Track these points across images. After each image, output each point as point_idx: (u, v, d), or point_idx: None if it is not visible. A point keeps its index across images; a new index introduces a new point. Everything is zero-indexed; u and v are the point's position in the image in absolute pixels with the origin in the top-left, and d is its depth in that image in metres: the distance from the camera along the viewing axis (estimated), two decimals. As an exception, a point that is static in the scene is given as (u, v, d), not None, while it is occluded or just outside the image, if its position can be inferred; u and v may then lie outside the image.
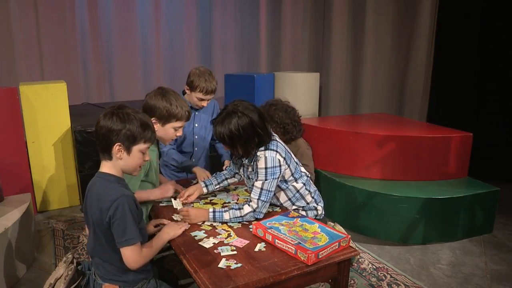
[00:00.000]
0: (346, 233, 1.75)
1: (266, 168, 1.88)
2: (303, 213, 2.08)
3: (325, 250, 1.58)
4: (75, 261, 1.64)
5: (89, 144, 3.32)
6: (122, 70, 4.78)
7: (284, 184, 2.04)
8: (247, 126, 1.85)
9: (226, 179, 2.23)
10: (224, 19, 5.19)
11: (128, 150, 1.54)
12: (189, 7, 4.96)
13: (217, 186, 2.21)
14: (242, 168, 2.11)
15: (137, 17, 4.75)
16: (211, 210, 1.88)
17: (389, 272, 2.61)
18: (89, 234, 1.61)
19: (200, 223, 1.87)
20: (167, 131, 2.01)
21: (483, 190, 3.04)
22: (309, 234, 1.69)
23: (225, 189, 2.32)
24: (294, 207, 2.10)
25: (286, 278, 1.49)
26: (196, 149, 2.69)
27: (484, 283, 2.52)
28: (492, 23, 4.23)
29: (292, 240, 1.62)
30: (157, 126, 1.96)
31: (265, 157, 1.89)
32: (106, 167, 1.57)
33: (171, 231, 1.71)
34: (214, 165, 2.86)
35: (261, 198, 1.88)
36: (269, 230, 1.70)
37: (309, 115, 4.50)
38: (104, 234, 1.50)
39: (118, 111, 1.53)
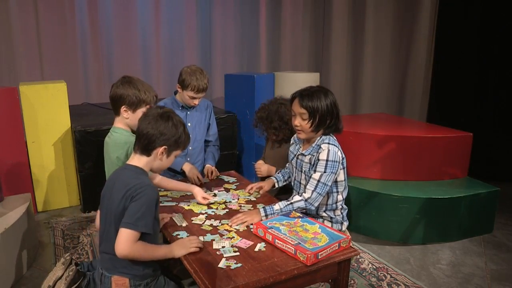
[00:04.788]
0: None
1: (327, 160, 1.90)
2: (328, 224, 2.08)
3: (325, 250, 1.58)
4: (73, 262, 1.64)
5: (89, 144, 3.32)
6: (122, 70, 4.76)
7: (335, 187, 2.04)
8: (333, 104, 1.95)
9: (290, 177, 2.27)
10: (224, 19, 5.18)
11: (169, 154, 1.64)
12: (189, 7, 4.95)
13: (285, 183, 2.29)
14: (296, 159, 2.11)
15: (137, 17, 4.74)
16: (261, 206, 1.95)
17: (389, 272, 2.61)
18: (101, 227, 1.61)
19: (200, 224, 1.86)
20: (138, 116, 2.03)
21: (483, 190, 3.04)
22: (310, 234, 1.68)
23: (225, 189, 2.32)
24: (324, 214, 2.09)
25: (286, 278, 1.49)
26: (190, 148, 2.71)
27: (484, 283, 2.52)
28: (492, 23, 4.23)
29: (292, 241, 1.61)
30: (127, 114, 2.01)
31: (328, 150, 1.91)
32: (139, 161, 1.62)
33: (179, 251, 1.61)
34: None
35: (316, 190, 1.90)
36: (269, 230, 1.70)
37: (309, 115, 4.49)
38: None
39: (170, 115, 1.63)
